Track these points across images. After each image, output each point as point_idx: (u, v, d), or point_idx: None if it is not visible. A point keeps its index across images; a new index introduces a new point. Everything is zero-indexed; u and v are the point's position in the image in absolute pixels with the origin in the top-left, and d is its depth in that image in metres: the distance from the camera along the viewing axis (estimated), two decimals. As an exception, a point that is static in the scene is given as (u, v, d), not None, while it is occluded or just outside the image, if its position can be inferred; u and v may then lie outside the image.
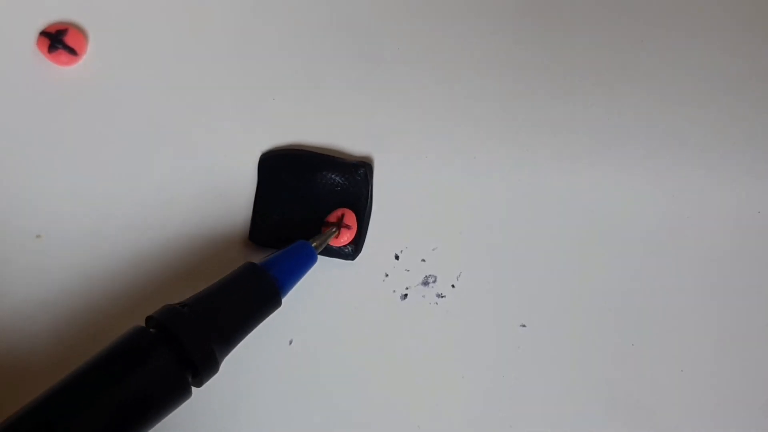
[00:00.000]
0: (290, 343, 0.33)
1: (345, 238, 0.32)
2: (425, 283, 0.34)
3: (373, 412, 0.32)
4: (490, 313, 0.33)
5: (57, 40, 0.33)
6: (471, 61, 0.36)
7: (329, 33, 0.35)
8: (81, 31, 0.34)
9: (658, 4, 0.37)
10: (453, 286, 0.34)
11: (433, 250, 0.34)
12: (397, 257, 0.34)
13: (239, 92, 0.34)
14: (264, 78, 0.35)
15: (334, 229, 0.32)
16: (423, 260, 0.34)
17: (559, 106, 0.35)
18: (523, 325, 0.33)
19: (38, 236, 0.33)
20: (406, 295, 0.33)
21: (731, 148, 0.36)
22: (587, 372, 0.33)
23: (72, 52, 0.33)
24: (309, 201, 0.33)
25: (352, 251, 0.33)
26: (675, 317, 0.34)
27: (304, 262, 0.30)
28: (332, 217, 0.33)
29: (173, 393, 0.26)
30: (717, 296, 0.34)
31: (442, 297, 0.33)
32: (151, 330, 0.27)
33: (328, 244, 0.32)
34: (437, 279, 0.34)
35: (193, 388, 0.27)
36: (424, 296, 0.33)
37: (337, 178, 0.33)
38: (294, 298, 0.33)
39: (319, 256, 0.33)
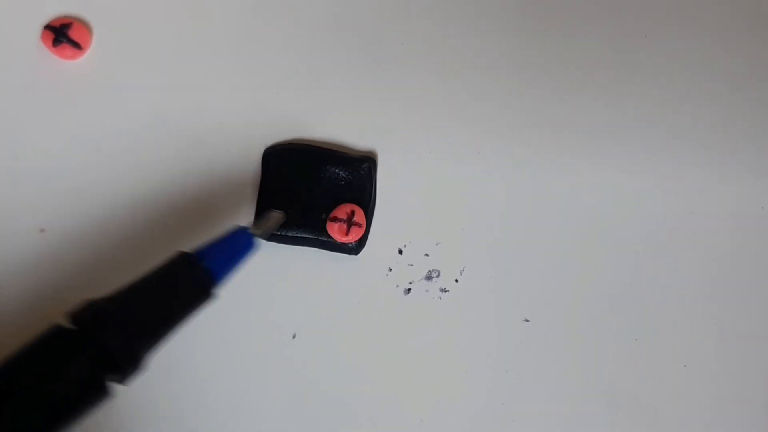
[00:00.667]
0: (293, 337, 0.33)
1: (354, 235, 0.32)
2: (429, 277, 0.34)
3: (376, 406, 0.32)
4: (494, 308, 0.33)
5: (61, 33, 0.33)
6: (474, 57, 0.36)
7: (334, 28, 0.35)
8: (85, 25, 0.34)
9: (659, 3, 0.37)
10: (456, 280, 0.34)
11: (437, 244, 0.34)
12: (400, 252, 0.34)
13: (243, 87, 0.34)
14: (268, 72, 0.35)
15: (277, 213, 0.30)
16: (426, 255, 0.34)
17: (561, 104, 0.36)
18: (527, 320, 0.33)
19: (42, 230, 0.33)
20: (409, 289, 0.33)
21: (733, 146, 0.36)
22: (590, 367, 0.33)
23: (76, 46, 0.33)
24: (313, 195, 0.33)
25: (355, 246, 0.33)
26: (678, 313, 0.34)
27: (242, 251, 0.28)
28: (341, 213, 0.33)
29: (90, 395, 0.24)
30: (720, 293, 0.34)
31: (445, 292, 0.33)
32: (70, 327, 0.24)
33: (332, 239, 0.32)
34: (441, 274, 0.34)
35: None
36: (427, 291, 0.33)
37: (341, 173, 0.33)
38: (297, 293, 0.33)
39: (324, 251, 0.33)
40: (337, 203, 0.33)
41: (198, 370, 0.32)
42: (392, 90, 0.35)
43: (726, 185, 0.35)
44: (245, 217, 0.33)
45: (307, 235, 0.33)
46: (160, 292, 0.26)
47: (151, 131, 0.34)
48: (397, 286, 0.33)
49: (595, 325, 0.34)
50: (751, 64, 0.37)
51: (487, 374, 0.33)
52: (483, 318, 0.33)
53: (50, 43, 0.33)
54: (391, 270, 0.33)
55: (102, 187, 0.33)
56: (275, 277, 0.33)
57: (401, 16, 0.36)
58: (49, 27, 0.33)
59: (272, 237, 0.33)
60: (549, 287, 0.34)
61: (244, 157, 0.34)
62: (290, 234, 0.33)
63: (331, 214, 0.33)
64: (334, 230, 0.32)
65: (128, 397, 0.32)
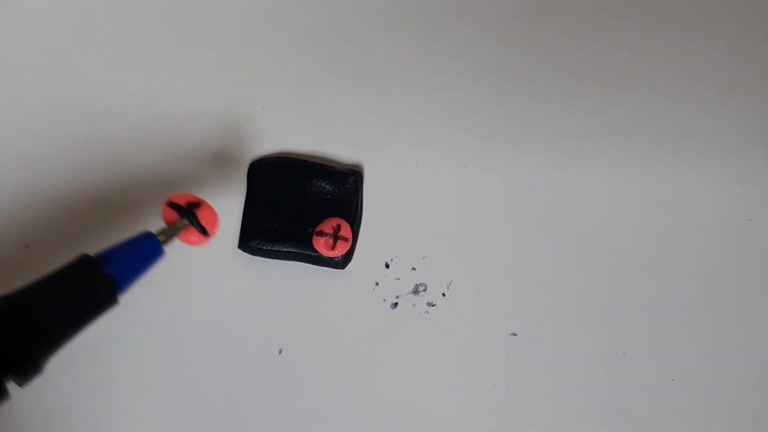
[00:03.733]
0: (280, 352, 0.32)
1: (340, 249, 0.32)
2: (415, 291, 0.33)
3: (363, 420, 0.32)
4: (481, 322, 0.33)
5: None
6: (461, 70, 0.36)
7: (319, 42, 0.35)
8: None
9: (647, 13, 0.37)
10: (443, 294, 0.33)
11: (424, 258, 0.34)
12: (387, 266, 0.34)
13: (229, 100, 0.34)
14: (254, 85, 0.34)
15: (185, 221, 0.29)
16: (413, 269, 0.34)
17: (548, 116, 0.35)
18: (514, 334, 0.33)
19: (26, 246, 0.32)
20: (396, 303, 0.33)
21: (721, 158, 0.36)
22: (578, 380, 0.33)
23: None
24: (299, 209, 0.33)
25: (342, 260, 0.33)
26: (666, 326, 0.34)
27: (147, 257, 0.27)
28: (327, 227, 0.32)
29: None
30: (708, 304, 0.34)
31: (432, 305, 0.33)
32: None
33: (318, 254, 0.32)
34: (427, 287, 0.33)
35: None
36: (414, 305, 0.33)
37: (327, 187, 0.33)
38: (283, 307, 0.33)
39: (310, 265, 0.33)
40: (323, 217, 0.33)
41: (184, 383, 0.32)
42: (378, 103, 0.35)
43: (714, 198, 0.35)
44: (230, 232, 0.33)
45: (293, 250, 0.33)
46: (59, 294, 0.25)
47: (136, 143, 0.34)
48: (384, 300, 0.33)
49: (583, 339, 0.33)
50: (738, 76, 0.37)
51: (474, 388, 0.33)
52: (470, 332, 0.33)
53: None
54: (377, 284, 0.33)
55: (87, 202, 0.33)
56: (261, 291, 0.33)
57: (387, 29, 0.36)
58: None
59: (258, 251, 0.33)
60: (536, 301, 0.34)
61: (230, 169, 0.34)
62: (276, 248, 0.32)
63: (317, 228, 0.32)
64: (320, 244, 0.32)
65: (111, 408, 0.31)
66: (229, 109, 0.34)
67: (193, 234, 0.29)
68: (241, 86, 0.34)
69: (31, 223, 0.33)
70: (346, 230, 0.32)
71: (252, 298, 0.33)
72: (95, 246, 0.33)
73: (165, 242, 0.27)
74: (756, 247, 0.35)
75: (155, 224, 0.33)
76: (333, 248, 0.32)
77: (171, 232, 0.28)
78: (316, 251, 0.32)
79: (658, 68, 0.36)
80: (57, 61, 0.34)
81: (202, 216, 0.29)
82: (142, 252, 0.27)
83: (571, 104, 0.35)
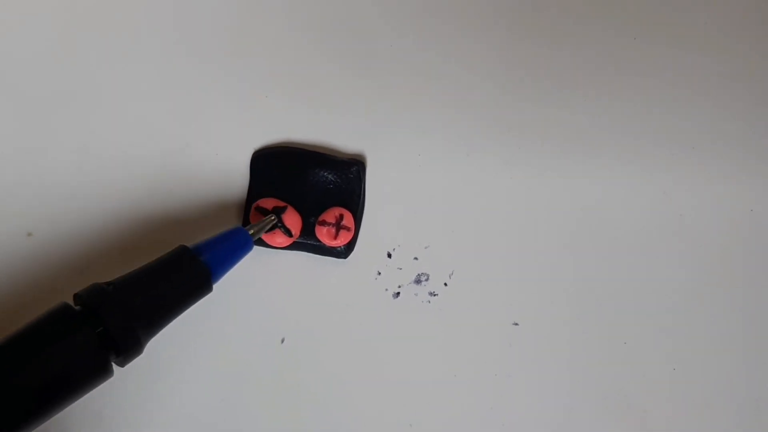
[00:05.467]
0: (282, 341, 0.32)
1: (342, 239, 0.32)
2: (418, 281, 0.33)
3: (365, 410, 0.32)
4: (483, 312, 0.33)
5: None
6: (463, 60, 0.36)
7: (322, 31, 0.35)
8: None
9: (648, 6, 0.37)
10: (445, 284, 0.34)
11: (426, 248, 0.34)
12: (389, 255, 0.34)
13: (232, 90, 0.34)
14: (257, 75, 0.35)
15: (273, 218, 0.32)
16: (415, 258, 0.34)
17: (551, 105, 0.35)
18: (516, 324, 0.33)
19: (29, 234, 0.32)
20: (398, 293, 0.33)
21: (723, 148, 0.36)
22: (579, 370, 0.33)
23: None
24: (301, 199, 0.33)
25: (344, 250, 0.33)
26: (667, 315, 0.34)
27: (239, 249, 0.30)
28: (329, 217, 0.33)
29: (92, 371, 0.25)
30: (709, 294, 0.34)
31: (434, 295, 0.33)
32: (76, 307, 0.26)
33: (320, 243, 0.32)
34: (430, 277, 0.34)
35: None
36: (416, 294, 0.33)
37: (330, 176, 0.33)
38: (286, 297, 0.33)
39: (312, 255, 0.33)
40: (325, 207, 0.33)
41: (186, 373, 0.32)
42: (381, 93, 0.35)
43: (716, 187, 0.35)
44: (233, 221, 0.33)
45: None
46: (160, 280, 0.27)
47: (139, 134, 0.34)
48: (386, 289, 0.33)
49: (584, 329, 0.34)
50: (741, 66, 0.37)
51: (476, 378, 0.33)
52: (472, 321, 0.33)
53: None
54: (380, 274, 0.33)
55: (89, 190, 0.33)
56: (263, 281, 0.33)
57: (390, 19, 0.36)
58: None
59: (260, 241, 0.33)
60: (538, 290, 0.34)
61: (233, 160, 0.34)
62: (278, 238, 0.33)
63: (320, 218, 0.33)
64: (323, 234, 0.32)
65: (114, 399, 0.32)
66: (233, 99, 0.34)
67: (279, 236, 0.32)
68: (245, 76, 0.34)
69: (34, 211, 0.33)
70: (348, 220, 0.33)
71: (254, 288, 0.33)
72: (102, 234, 0.33)
73: (254, 237, 0.30)
74: (757, 238, 0.35)
75: (159, 208, 0.33)
76: (335, 238, 0.32)
77: (259, 227, 0.31)
78: (319, 241, 0.33)
79: (660, 58, 0.36)
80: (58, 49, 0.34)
81: (287, 219, 0.32)
82: (234, 244, 0.29)
83: (573, 93, 0.36)
